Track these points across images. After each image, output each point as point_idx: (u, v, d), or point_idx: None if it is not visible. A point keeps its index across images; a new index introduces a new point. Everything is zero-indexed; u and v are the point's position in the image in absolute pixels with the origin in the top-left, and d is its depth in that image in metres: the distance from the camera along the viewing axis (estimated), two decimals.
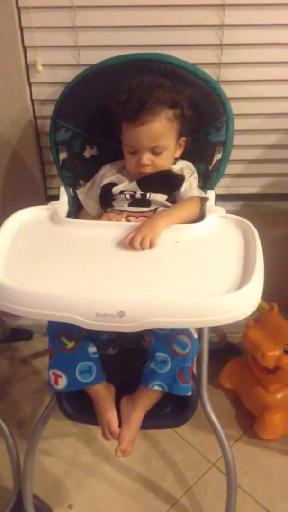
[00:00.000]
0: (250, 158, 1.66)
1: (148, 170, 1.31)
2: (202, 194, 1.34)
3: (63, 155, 1.41)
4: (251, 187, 1.72)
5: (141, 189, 1.30)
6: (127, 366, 1.29)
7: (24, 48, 1.46)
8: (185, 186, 1.33)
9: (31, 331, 2.07)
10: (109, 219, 1.24)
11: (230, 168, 1.49)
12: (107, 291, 1.02)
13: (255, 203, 1.73)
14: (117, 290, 1.02)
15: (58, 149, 1.40)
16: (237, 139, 1.41)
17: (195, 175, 1.38)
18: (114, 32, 1.44)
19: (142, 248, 1.09)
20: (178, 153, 1.37)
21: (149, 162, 1.31)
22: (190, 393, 1.21)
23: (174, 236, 1.18)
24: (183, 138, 1.35)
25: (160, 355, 1.18)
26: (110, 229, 1.18)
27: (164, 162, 1.31)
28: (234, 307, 0.99)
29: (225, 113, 1.35)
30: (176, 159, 1.36)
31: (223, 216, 1.25)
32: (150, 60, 1.37)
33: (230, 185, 1.69)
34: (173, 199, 1.30)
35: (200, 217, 1.26)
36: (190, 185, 1.34)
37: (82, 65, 1.47)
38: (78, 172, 1.43)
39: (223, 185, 1.64)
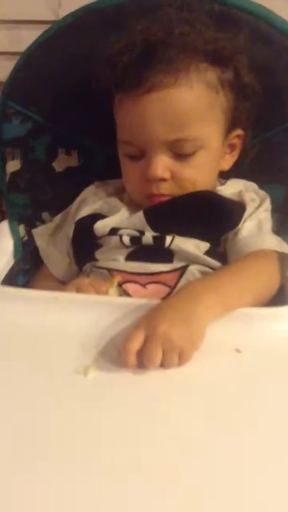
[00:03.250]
0: None
1: (164, 190, 0.69)
2: (285, 247, 0.68)
3: (13, 165, 0.83)
4: None
5: (154, 227, 0.71)
6: None
7: None
8: (249, 226, 0.69)
9: None
10: (81, 289, 0.62)
11: None
12: None
13: None
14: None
15: (6, 153, 0.82)
16: None
17: (267, 206, 0.74)
18: None
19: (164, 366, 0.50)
20: (229, 162, 0.75)
21: (167, 174, 0.67)
22: None
23: (233, 337, 0.52)
24: (238, 132, 0.73)
25: None
26: (85, 314, 0.56)
27: (196, 174, 0.69)
28: None
29: None
30: (224, 174, 0.76)
31: None
32: None
33: None
34: (220, 251, 0.71)
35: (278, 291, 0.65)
36: (260, 225, 0.70)
37: None
38: (39, 197, 0.85)
39: None
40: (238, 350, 0.50)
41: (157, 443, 0.42)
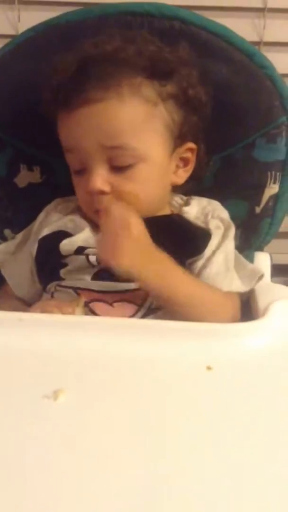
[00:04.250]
0: None
1: (107, 203, 0.67)
2: (248, 284, 0.69)
3: None
4: None
5: None
6: None
7: None
8: (218, 261, 0.69)
9: None
10: (46, 311, 0.59)
11: None
12: None
13: None
14: None
15: None
16: None
17: (232, 234, 0.73)
18: None
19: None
20: (183, 176, 0.73)
21: (106, 187, 0.66)
22: None
23: (203, 354, 0.51)
24: (190, 146, 0.72)
25: None
26: (51, 335, 0.53)
27: (138, 188, 0.67)
28: None
29: (285, 110, 0.75)
30: (187, 191, 0.76)
31: None
32: (145, 14, 0.75)
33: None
34: None
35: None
36: (227, 261, 0.69)
37: None
38: (1, 214, 0.82)
39: None
40: (209, 368, 0.49)
41: (131, 464, 0.41)
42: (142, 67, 0.66)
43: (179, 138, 0.70)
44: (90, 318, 0.59)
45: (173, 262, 0.62)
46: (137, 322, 0.60)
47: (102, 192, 0.66)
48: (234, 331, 0.55)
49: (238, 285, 0.67)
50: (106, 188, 0.66)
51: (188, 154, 0.72)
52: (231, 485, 0.39)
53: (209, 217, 0.73)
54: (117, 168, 0.66)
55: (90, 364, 0.50)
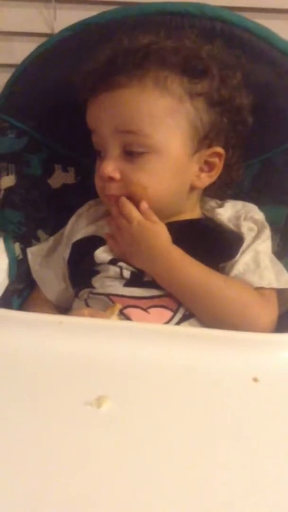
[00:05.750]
0: None
1: (114, 190, 0.67)
2: (283, 281, 0.67)
3: (7, 180, 0.78)
4: None
5: None
6: None
7: None
8: (245, 260, 0.67)
9: None
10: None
11: None
12: None
13: None
14: None
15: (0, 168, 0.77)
16: None
17: (266, 235, 0.70)
18: None
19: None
20: (205, 181, 0.70)
21: (117, 174, 0.66)
22: None
23: (249, 366, 0.49)
24: (217, 150, 0.69)
25: None
26: (92, 339, 0.52)
27: (147, 179, 0.66)
28: None
29: None
30: (222, 195, 0.75)
31: None
32: (185, 13, 0.73)
33: None
34: None
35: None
36: (257, 259, 0.67)
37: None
38: (34, 215, 0.80)
39: None
40: (255, 379, 0.48)
41: (179, 476, 0.39)
42: (173, 62, 0.65)
43: (206, 139, 0.67)
44: (134, 324, 0.59)
45: (186, 256, 0.64)
46: (182, 329, 0.59)
47: (112, 179, 0.65)
48: (278, 341, 0.53)
49: (270, 280, 0.65)
50: (116, 175, 0.65)
51: (215, 159, 0.69)
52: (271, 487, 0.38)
53: (242, 219, 0.71)
54: (130, 155, 0.65)
55: (133, 371, 0.49)
